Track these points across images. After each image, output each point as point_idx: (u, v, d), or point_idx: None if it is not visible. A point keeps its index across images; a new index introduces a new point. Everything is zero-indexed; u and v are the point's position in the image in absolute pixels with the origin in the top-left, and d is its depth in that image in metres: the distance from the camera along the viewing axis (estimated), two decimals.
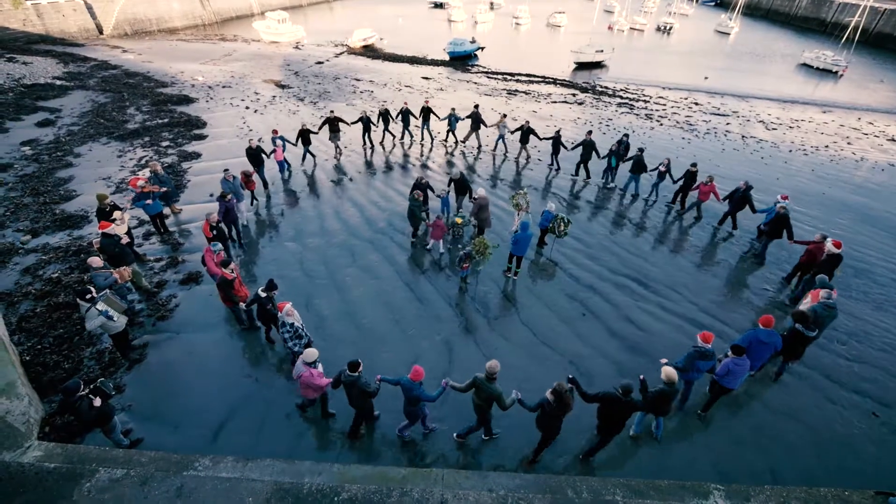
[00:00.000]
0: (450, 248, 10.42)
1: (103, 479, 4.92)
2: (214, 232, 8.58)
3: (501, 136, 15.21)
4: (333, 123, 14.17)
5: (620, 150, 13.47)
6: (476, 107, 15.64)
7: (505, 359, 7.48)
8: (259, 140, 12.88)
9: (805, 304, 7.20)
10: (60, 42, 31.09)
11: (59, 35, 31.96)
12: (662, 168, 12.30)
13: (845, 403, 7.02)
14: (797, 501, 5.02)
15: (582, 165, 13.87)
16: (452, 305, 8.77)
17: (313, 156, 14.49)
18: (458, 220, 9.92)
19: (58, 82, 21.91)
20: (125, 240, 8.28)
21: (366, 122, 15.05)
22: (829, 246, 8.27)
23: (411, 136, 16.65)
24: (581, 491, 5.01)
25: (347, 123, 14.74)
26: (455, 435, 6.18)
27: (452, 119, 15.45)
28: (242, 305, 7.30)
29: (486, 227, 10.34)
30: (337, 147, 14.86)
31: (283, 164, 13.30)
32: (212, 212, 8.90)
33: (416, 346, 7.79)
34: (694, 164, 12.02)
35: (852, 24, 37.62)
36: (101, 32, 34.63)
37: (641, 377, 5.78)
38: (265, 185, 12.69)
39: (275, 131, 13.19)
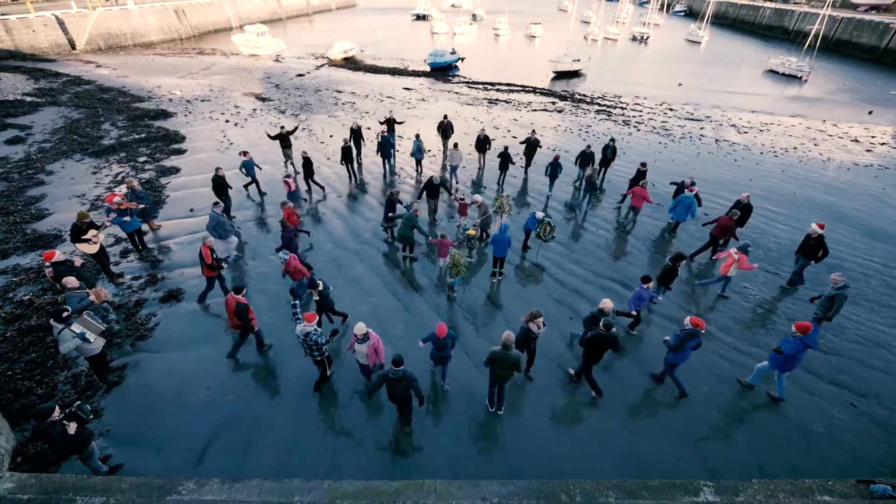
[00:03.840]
0: (471, 262, 10.22)
1: None
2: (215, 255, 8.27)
3: (454, 168, 13.95)
4: (285, 139, 13.98)
5: (607, 154, 13.97)
6: (445, 116, 15.86)
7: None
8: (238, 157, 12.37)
9: (731, 270, 8.76)
10: (31, 58, 30.30)
11: (30, 51, 31.16)
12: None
13: (825, 395, 7.23)
14: (784, 493, 5.12)
15: (525, 164, 15.06)
16: (440, 314, 8.75)
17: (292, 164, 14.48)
18: (472, 232, 9.94)
19: (28, 98, 21.30)
20: (78, 261, 7.81)
21: (347, 151, 13.56)
22: (813, 227, 9.32)
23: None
24: (574, 495, 5.01)
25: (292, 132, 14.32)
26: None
27: (420, 145, 14.32)
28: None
29: (487, 228, 10.88)
30: (289, 159, 14.60)
31: (298, 195, 11.59)
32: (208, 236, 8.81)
33: (405, 355, 7.71)
34: (643, 164, 12.48)
35: (813, 32, 39.53)
36: (73, 47, 33.91)
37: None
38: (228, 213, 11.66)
39: (245, 153, 12.51)
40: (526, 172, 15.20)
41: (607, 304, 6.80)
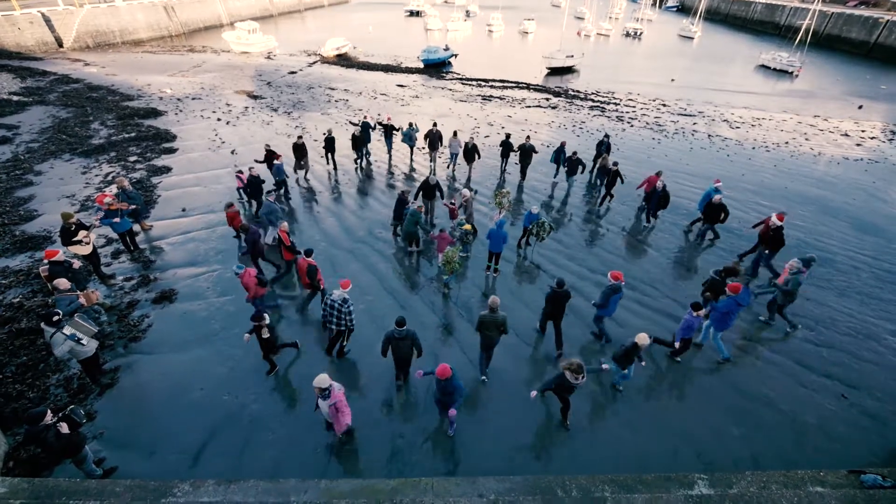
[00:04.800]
0: (466, 256, 10.21)
1: None
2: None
3: (453, 156, 14.60)
4: (300, 149, 13.45)
5: (602, 150, 13.93)
6: (434, 125, 14.96)
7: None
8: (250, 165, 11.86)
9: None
10: (17, 56, 29.73)
11: (16, 49, 30.57)
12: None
13: (816, 387, 7.32)
14: (777, 485, 5.18)
15: (521, 174, 14.45)
16: (436, 311, 8.75)
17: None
18: (468, 227, 9.95)
19: (15, 98, 20.93)
20: (77, 264, 7.72)
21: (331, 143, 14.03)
22: (773, 220, 9.44)
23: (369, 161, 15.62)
24: (570, 490, 5.03)
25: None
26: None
27: (412, 133, 14.73)
28: None
29: (471, 222, 10.78)
30: (304, 169, 14.09)
31: (239, 192, 12.08)
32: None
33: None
34: (615, 164, 12.48)
35: (804, 27, 39.73)
36: (60, 45, 33.33)
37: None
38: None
39: (278, 156, 12.31)
40: (522, 179, 14.59)
41: (643, 339, 6.35)
